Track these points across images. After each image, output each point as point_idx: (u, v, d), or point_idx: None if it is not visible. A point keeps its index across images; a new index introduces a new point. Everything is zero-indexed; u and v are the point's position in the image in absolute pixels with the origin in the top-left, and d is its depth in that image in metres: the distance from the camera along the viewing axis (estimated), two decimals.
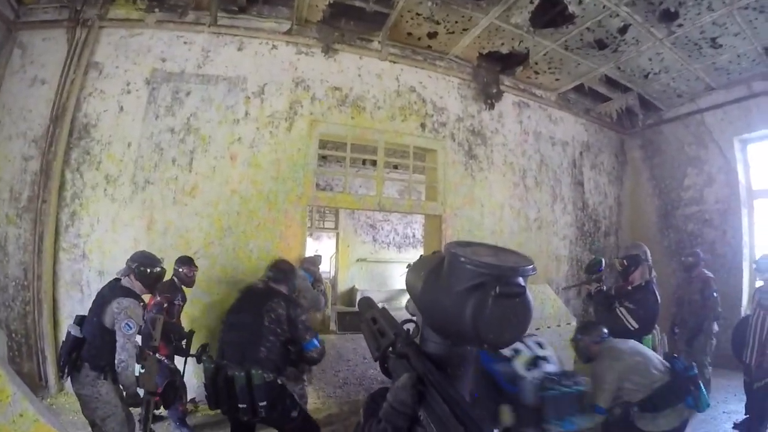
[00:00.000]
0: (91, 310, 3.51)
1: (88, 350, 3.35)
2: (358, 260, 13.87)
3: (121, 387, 3.42)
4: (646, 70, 7.12)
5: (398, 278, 13.22)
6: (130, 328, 3.32)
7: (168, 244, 5.39)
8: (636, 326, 3.99)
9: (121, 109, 5.56)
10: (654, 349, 4.15)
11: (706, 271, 6.04)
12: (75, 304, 5.27)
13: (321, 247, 14.17)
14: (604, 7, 5.48)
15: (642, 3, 5.45)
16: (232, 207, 5.59)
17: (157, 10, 5.70)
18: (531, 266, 0.80)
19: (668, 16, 5.68)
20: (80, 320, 3.55)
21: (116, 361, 3.29)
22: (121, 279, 3.63)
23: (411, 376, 0.82)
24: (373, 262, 13.87)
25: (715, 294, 5.82)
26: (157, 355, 3.57)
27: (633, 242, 6.24)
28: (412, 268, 1.03)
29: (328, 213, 13.78)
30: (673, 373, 3.17)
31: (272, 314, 3.39)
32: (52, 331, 5.18)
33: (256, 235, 5.63)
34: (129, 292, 3.51)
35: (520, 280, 0.78)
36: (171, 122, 5.60)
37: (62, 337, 5.13)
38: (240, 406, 3.16)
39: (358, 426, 0.99)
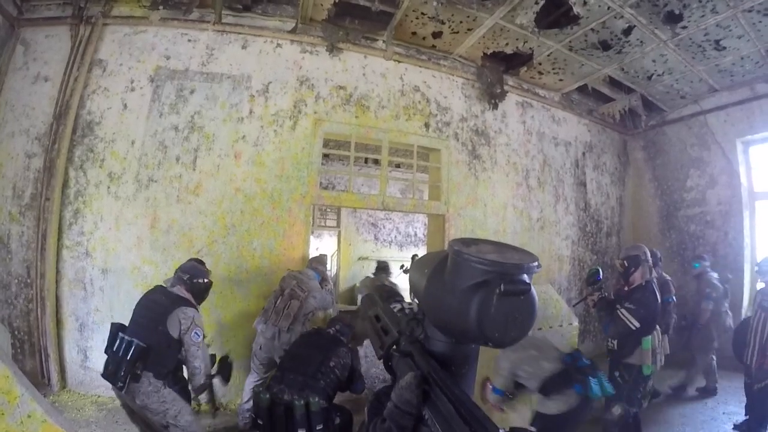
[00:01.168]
0: (147, 319, 3.49)
1: (153, 359, 3.36)
2: (359, 259, 13.81)
3: (191, 389, 3.66)
4: (650, 71, 7.12)
5: (398, 277, 13.21)
6: (199, 336, 3.51)
7: (171, 243, 5.40)
8: (637, 325, 3.99)
9: (125, 106, 5.54)
10: (653, 350, 4.17)
11: (665, 274, 6.04)
12: (78, 301, 5.28)
13: (322, 246, 14.14)
14: (608, 8, 5.47)
15: (646, 5, 5.43)
16: (236, 205, 5.58)
17: (161, 7, 5.67)
18: (536, 263, 0.79)
19: (672, 18, 5.67)
20: (121, 328, 3.53)
21: (192, 368, 3.52)
22: (167, 287, 3.73)
23: (415, 375, 0.81)
24: (375, 260, 13.81)
25: (674, 299, 5.83)
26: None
27: (633, 243, 6.24)
28: (416, 266, 1.01)
29: (329, 211, 13.74)
30: (564, 364, 3.52)
31: (340, 360, 3.81)
32: (54, 328, 5.17)
33: (260, 234, 5.62)
34: (189, 302, 3.63)
35: (525, 277, 0.77)
36: (175, 120, 5.58)
37: (66, 335, 5.22)
38: (299, 431, 3.40)
39: (363, 425, 0.99)
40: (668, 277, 5.88)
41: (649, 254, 4.37)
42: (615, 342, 4.22)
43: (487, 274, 0.75)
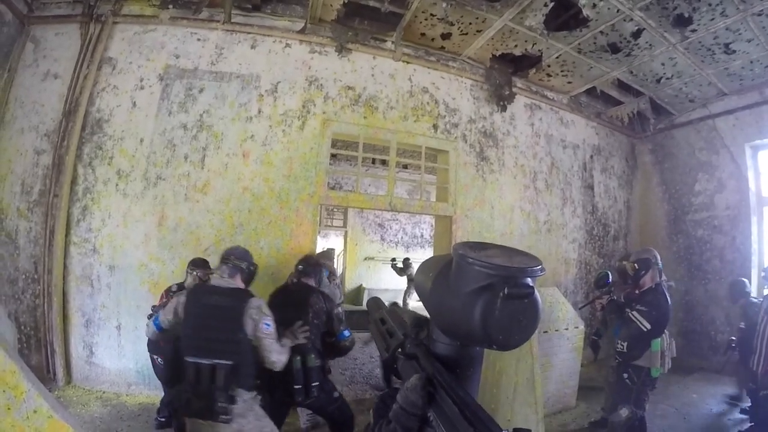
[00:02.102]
0: (219, 330, 2.97)
1: (243, 372, 2.94)
2: (365, 259, 13.90)
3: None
4: (659, 74, 7.09)
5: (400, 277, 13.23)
6: (269, 326, 3.05)
7: (179, 241, 5.41)
8: (649, 327, 3.96)
9: (134, 104, 5.57)
10: (662, 352, 4.15)
11: None
12: (85, 298, 5.30)
13: (329, 245, 14.20)
14: (618, 11, 5.46)
15: (656, 8, 5.42)
16: (244, 204, 5.59)
17: (171, 6, 5.70)
18: (539, 267, 0.79)
19: (682, 21, 5.66)
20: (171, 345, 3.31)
21: (270, 364, 3.05)
22: (218, 281, 3.24)
23: (420, 377, 0.81)
24: (381, 261, 13.88)
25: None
26: None
27: (643, 247, 6.21)
28: (421, 270, 1.01)
29: (336, 211, 13.82)
30: None
31: (314, 308, 3.72)
32: (61, 324, 5.20)
33: (267, 233, 5.62)
34: (249, 293, 3.23)
35: (529, 280, 0.78)
36: (184, 119, 5.60)
37: (72, 330, 5.24)
38: (296, 387, 3.39)
39: (368, 427, 0.99)
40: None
41: (659, 258, 4.35)
42: (625, 344, 4.19)
43: (491, 278, 0.76)
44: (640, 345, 4.09)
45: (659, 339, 4.12)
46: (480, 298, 0.76)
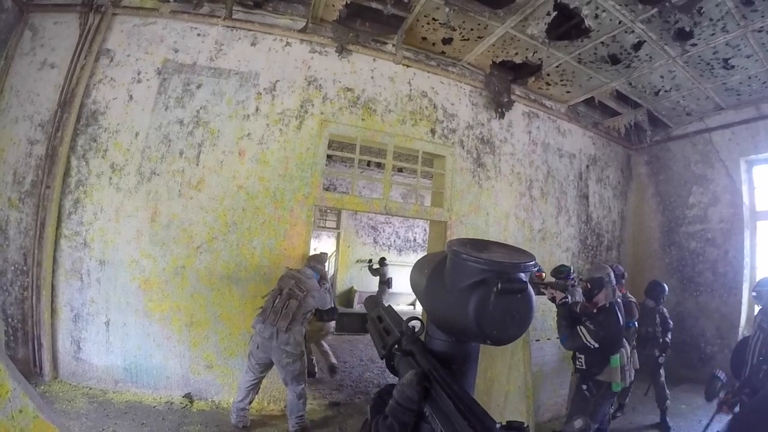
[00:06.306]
0: None
1: None
2: (357, 261, 13.87)
3: None
4: (657, 87, 7.13)
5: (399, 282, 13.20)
6: None
7: (171, 237, 5.37)
8: (595, 345, 3.98)
9: (131, 98, 5.52)
10: (622, 367, 4.16)
11: (629, 295, 5.84)
12: (74, 292, 5.24)
13: (320, 246, 14.14)
14: (619, 22, 5.48)
15: (657, 21, 5.44)
16: (238, 203, 5.55)
17: (171, 0, 5.66)
18: (532, 262, 0.81)
19: (683, 35, 5.68)
20: None
21: None
22: None
23: (416, 372, 0.82)
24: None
25: (635, 324, 5.54)
26: None
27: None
28: (416, 267, 1.04)
29: (329, 212, 13.78)
30: None
31: None
32: (49, 318, 5.14)
33: (261, 233, 5.58)
34: None
35: (522, 276, 0.79)
36: (180, 114, 5.56)
37: (60, 325, 5.22)
38: None
39: (366, 423, 1.00)
40: (632, 298, 5.63)
41: (612, 276, 4.33)
42: (582, 359, 4.20)
43: (485, 273, 0.77)
44: (597, 362, 4.11)
45: (617, 355, 4.13)
46: (474, 293, 0.78)
